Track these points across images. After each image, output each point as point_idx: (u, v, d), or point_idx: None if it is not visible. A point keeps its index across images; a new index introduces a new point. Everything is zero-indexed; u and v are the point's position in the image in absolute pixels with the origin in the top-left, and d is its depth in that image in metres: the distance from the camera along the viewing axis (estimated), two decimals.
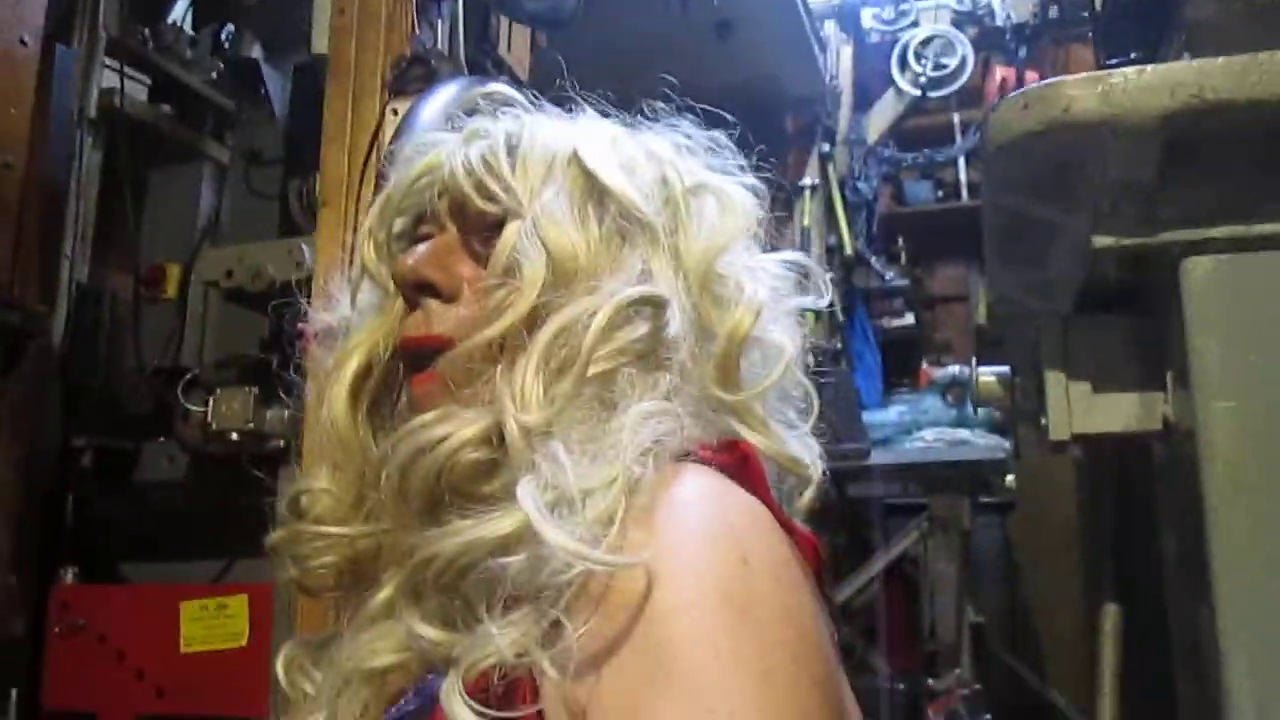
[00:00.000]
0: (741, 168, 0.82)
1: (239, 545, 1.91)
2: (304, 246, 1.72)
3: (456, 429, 0.67)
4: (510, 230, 0.71)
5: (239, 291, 1.81)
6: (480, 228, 0.75)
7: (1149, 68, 1.03)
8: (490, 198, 0.73)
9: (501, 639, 0.58)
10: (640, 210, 0.72)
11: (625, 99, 0.84)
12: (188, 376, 1.88)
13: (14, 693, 1.88)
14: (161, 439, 2.00)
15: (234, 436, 1.79)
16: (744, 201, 0.79)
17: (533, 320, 0.69)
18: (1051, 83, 1.07)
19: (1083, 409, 1.17)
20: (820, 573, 0.68)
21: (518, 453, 0.64)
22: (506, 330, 0.68)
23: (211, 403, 1.80)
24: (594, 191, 0.73)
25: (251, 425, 1.77)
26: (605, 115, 0.82)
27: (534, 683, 0.58)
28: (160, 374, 1.99)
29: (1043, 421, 1.21)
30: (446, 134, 0.80)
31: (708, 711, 0.52)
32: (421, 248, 0.76)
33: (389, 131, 1.58)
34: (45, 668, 1.91)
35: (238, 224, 2.02)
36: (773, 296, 0.77)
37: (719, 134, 0.83)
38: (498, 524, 0.61)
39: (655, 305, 0.69)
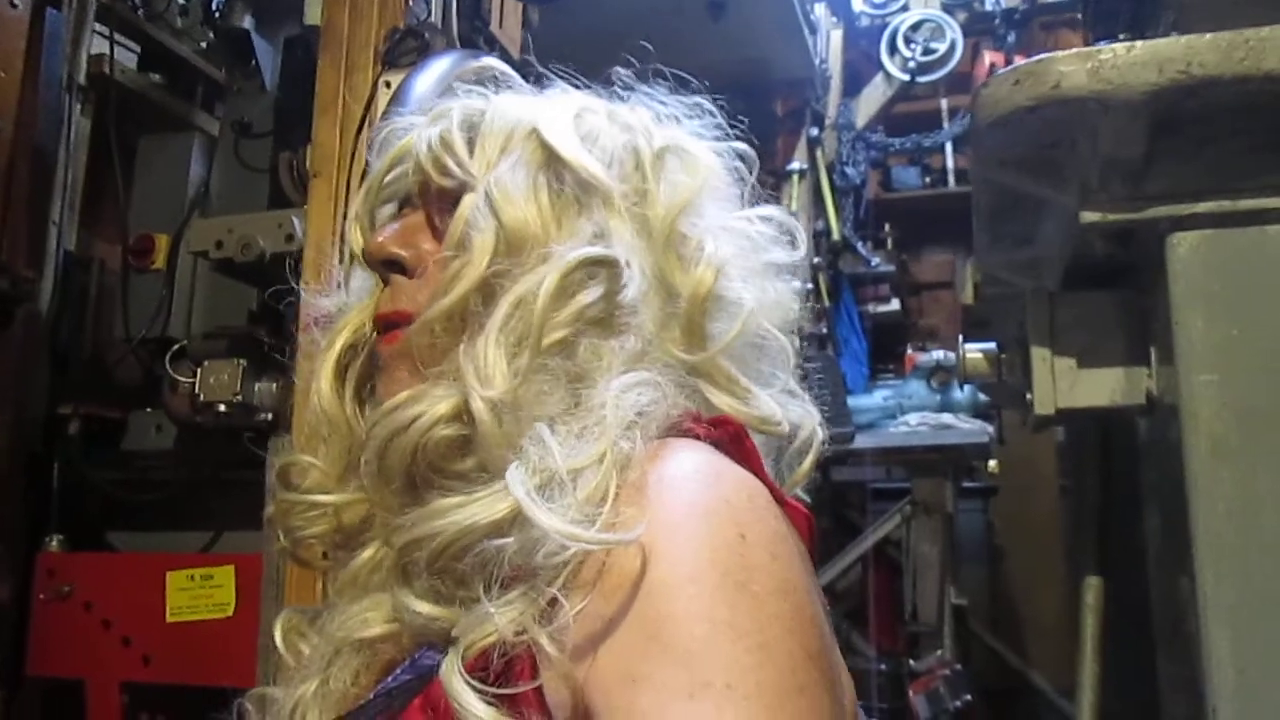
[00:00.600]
0: (723, 130, 0.82)
1: (226, 516, 1.91)
2: (294, 219, 1.72)
3: (428, 407, 0.67)
4: (464, 203, 0.72)
5: (228, 263, 1.80)
6: (443, 204, 0.76)
7: (1138, 44, 1.04)
8: (447, 173, 0.74)
9: (500, 618, 0.58)
10: (595, 177, 0.72)
11: (615, 77, 0.84)
12: (176, 347, 1.88)
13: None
14: (149, 409, 2.00)
15: (222, 408, 1.79)
16: (707, 159, 0.78)
17: (491, 293, 0.69)
18: (1042, 59, 1.08)
19: (1068, 384, 1.19)
20: (812, 549, 0.68)
21: (485, 427, 0.64)
22: (458, 301, 0.69)
23: (199, 374, 1.80)
24: (550, 162, 0.73)
25: (240, 397, 1.76)
26: (589, 90, 0.82)
27: (533, 659, 0.58)
28: (148, 344, 1.99)
29: (1028, 397, 1.23)
30: (419, 117, 0.81)
31: (705, 684, 0.53)
32: (390, 225, 0.78)
33: (382, 104, 1.58)
34: (30, 635, 1.91)
35: (227, 195, 2.01)
36: (740, 253, 0.76)
37: (702, 99, 0.82)
38: (489, 508, 0.61)
39: (606, 266, 0.69)
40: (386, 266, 0.76)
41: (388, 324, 0.76)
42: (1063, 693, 3.91)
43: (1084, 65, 1.03)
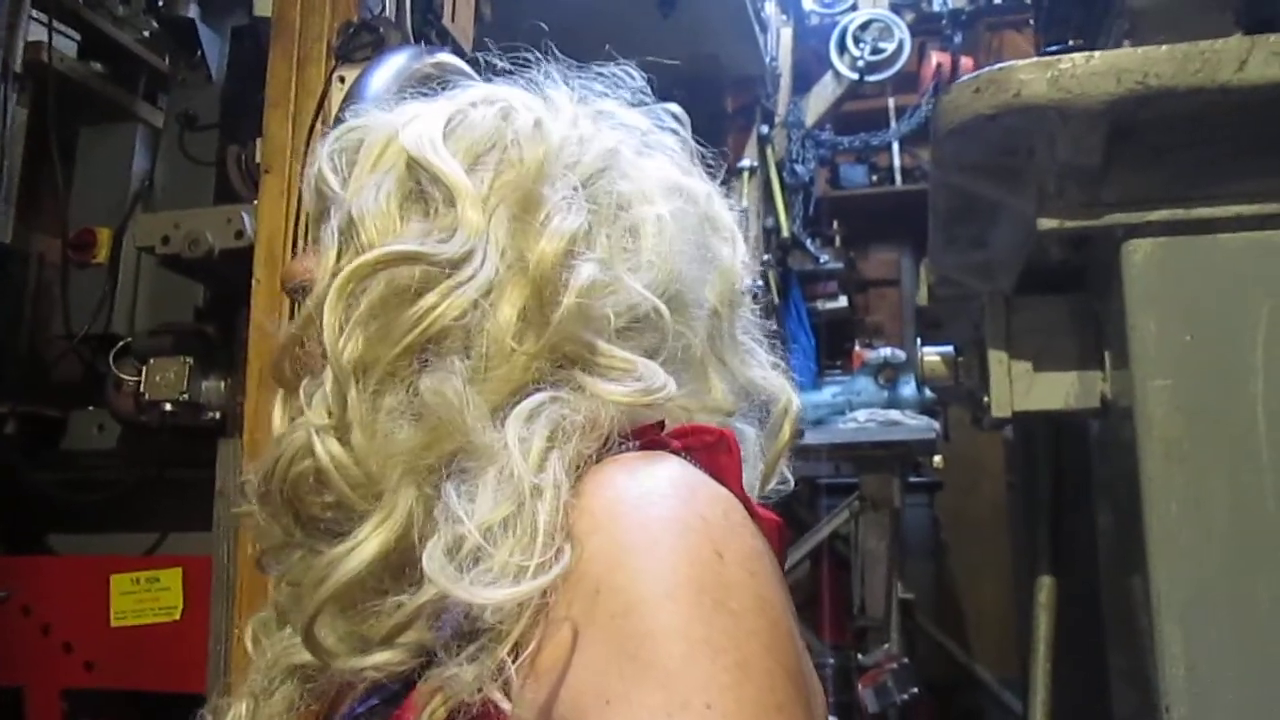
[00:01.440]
0: (642, 97, 0.77)
1: (172, 517, 1.87)
2: (244, 214, 1.68)
3: (287, 440, 0.65)
4: (333, 216, 0.70)
5: (175, 258, 1.75)
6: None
7: (1096, 54, 1.06)
8: (321, 196, 0.73)
9: (463, 676, 0.56)
10: (442, 172, 0.67)
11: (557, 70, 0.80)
12: (120, 344, 1.83)
13: None
14: (90, 407, 1.94)
15: (168, 407, 1.74)
16: (565, 116, 0.72)
17: None
18: (1003, 67, 1.09)
19: (1024, 387, 1.20)
20: (782, 556, 0.67)
21: (329, 456, 0.62)
22: (293, 333, 0.67)
23: (145, 372, 1.76)
24: (410, 168, 0.69)
25: (186, 396, 1.72)
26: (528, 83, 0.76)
27: (498, 709, 0.56)
28: (90, 340, 1.93)
29: (985, 399, 1.24)
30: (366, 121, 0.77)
31: (683, 704, 0.51)
32: (298, 254, 0.76)
33: (336, 99, 1.55)
34: None
35: (172, 189, 1.95)
36: (600, 219, 0.68)
37: (623, 71, 0.77)
38: (419, 597, 0.58)
39: (386, 263, 0.64)
40: (294, 295, 0.74)
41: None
42: (1005, 684, 4.00)
43: (1044, 74, 1.05)
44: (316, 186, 0.73)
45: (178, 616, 1.81)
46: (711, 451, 0.66)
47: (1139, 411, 1.06)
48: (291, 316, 0.76)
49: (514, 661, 0.56)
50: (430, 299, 0.63)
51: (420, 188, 0.69)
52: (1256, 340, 1.04)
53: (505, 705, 0.55)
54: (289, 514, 0.67)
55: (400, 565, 0.61)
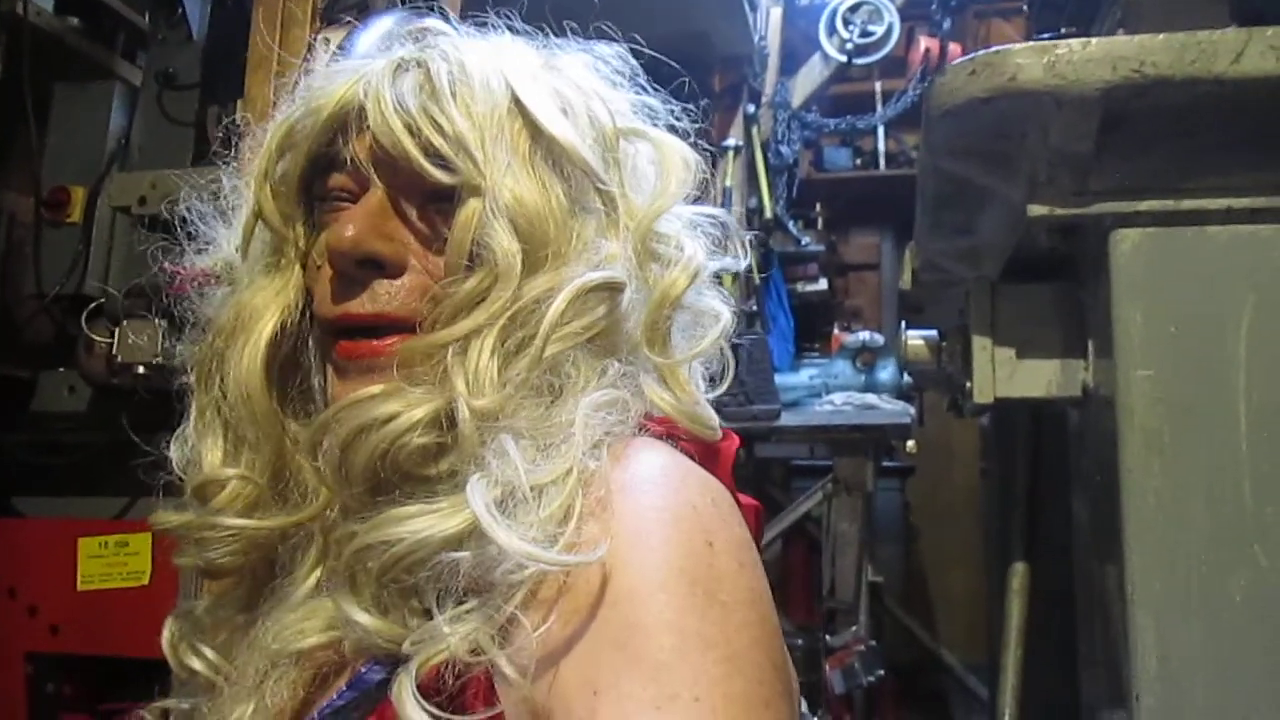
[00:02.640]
0: (669, 105, 0.78)
1: (144, 482, 1.85)
2: (225, 177, 1.65)
3: (405, 409, 0.62)
4: (473, 209, 0.64)
5: (151, 219, 1.72)
6: (419, 188, 0.67)
7: (1093, 41, 1.05)
8: (438, 158, 0.65)
9: (454, 635, 0.55)
10: (599, 178, 0.68)
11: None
12: (92, 305, 1.80)
13: None
14: (61, 369, 1.91)
15: (141, 370, 1.72)
16: (685, 154, 0.74)
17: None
18: (999, 50, 1.08)
19: (1007, 374, 1.20)
20: (759, 541, 0.67)
21: (468, 438, 0.60)
22: (484, 324, 0.63)
23: (117, 333, 1.73)
24: (542, 147, 0.67)
25: (160, 359, 1.70)
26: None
27: (489, 681, 0.56)
28: (62, 301, 1.90)
29: (967, 385, 1.24)
30: (360, 61, 0.71)
31: (672, 696, 0.51)
32: (358, 215, 0.66)
33: (320, 63, 1.52)
34: None
35: (149, 148, 1.91)
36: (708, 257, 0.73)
37: (625, 54, 0.77)
38: (446, 520, 0.58)
39: (615, 290, 0.66)
40: (361, 263, 0.66)
41: (366, 329, 0.67)
42: (970, 669, 4.04)
43: (1040, 59, 1.04)
44: (422, 136, 0.65)
45: (146, 582, 1.79)
46: (705, 453, 0.66)
47: (1120, 401, 1.07)
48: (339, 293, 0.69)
49: (508, 638, 0.55)
50: (602, 310, 0.66)
51: (562, 178, 0.68)
52: (1240, 334, 1.04)
53: (510, 671, 0.54)
54: (365, 481, 0.64)
55: None
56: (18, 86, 1.90)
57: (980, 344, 1.22)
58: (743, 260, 0.78)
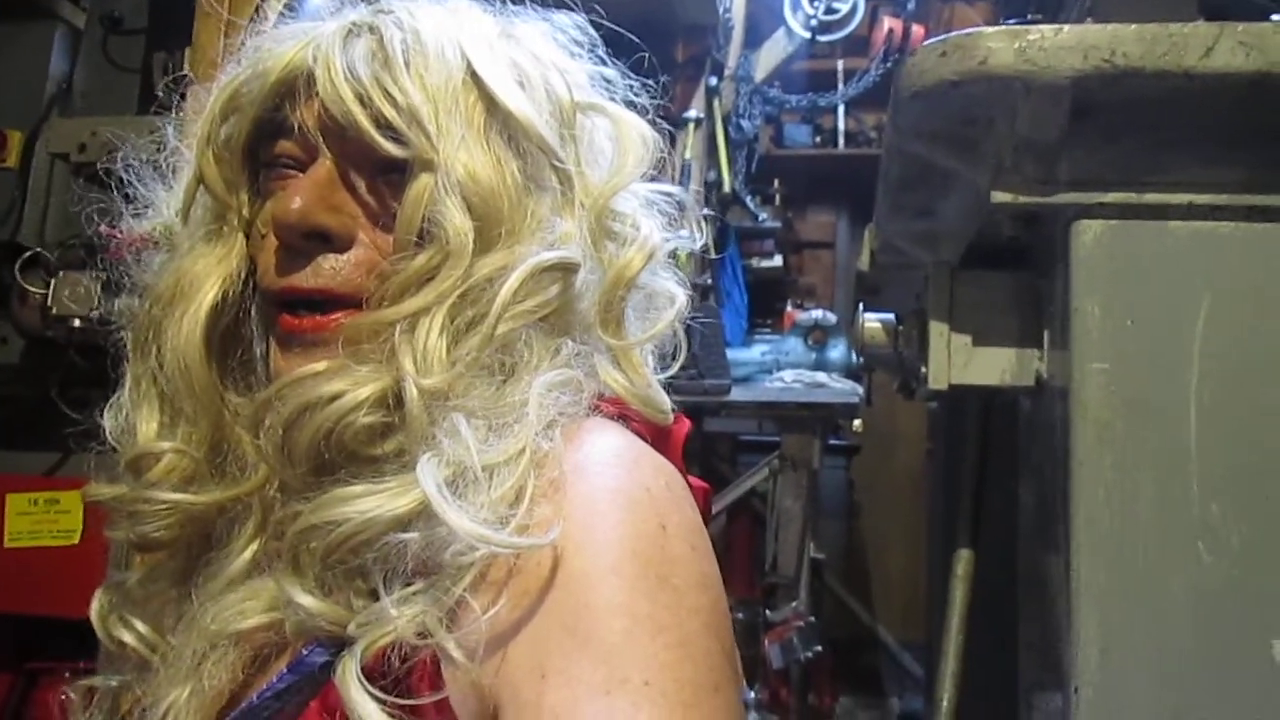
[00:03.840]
0: (625, 77, 0.76)
1: (76, 438, 1.79)
2: (169, 127, 1.59)
3: (351, 388, 0.60)
4: (424, 184, 0.62)
5: (89, 167, 1.66)
6: (369, 160, 0.65)
7: (1065, 27, 1.04)
8: (389, 130, 0.63)
9: (400, 617, 0.54)
10: (556, 155, 0.66)
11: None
12: (27, 254, 1.73)
13: None
14: None
15: (76, 323, 1.66)
16: (643, 131, 0.73)
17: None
18: (970, 32, 1.06)
19: (962, 360, 1.20)
20: (708, 521, 0.66)
21: (416, 418, 0.59)
22: (432, 302, 0.61)
23: (53, 285, 1.67)
24: (498, 121, 0.65)
25: (97, 313, 1.64)
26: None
27: (435, 664, 0.54)
28: None
29: (922, 370, 1.24)
30: (311, 24, 0.68)
31: (622, 680, 0.50)
32: (305, 185, 0.64)
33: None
34: None
35: (92, 94, 1.85)
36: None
37: (584, 24, 0.76)
38: (394, 500, 0.56)
39: (569, 269, 0.65)
40: (308, 236, 0.65)
41: (311, 303, 0.65)
42: (905, 646, 4.11)
43: (1012, 44, 1.03)
44: (372, 106, 0.63)
45: (76, 541, 1.75)
46: (656, 435, 0.65)
47: (1074, 393, 1.06)
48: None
49: (455, 621, 0.54)
50: (555, 290, 0.64)
51: (516, 154, 0.66)
52: (1195, 331, 1.04)
53: (457, 654, 0.53)
54: (308, 461, 0.62)
55: None
56: None
57: (937, 330, 1.21)
58: (699, 240, 0.77)
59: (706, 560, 0.59)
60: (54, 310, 1.65)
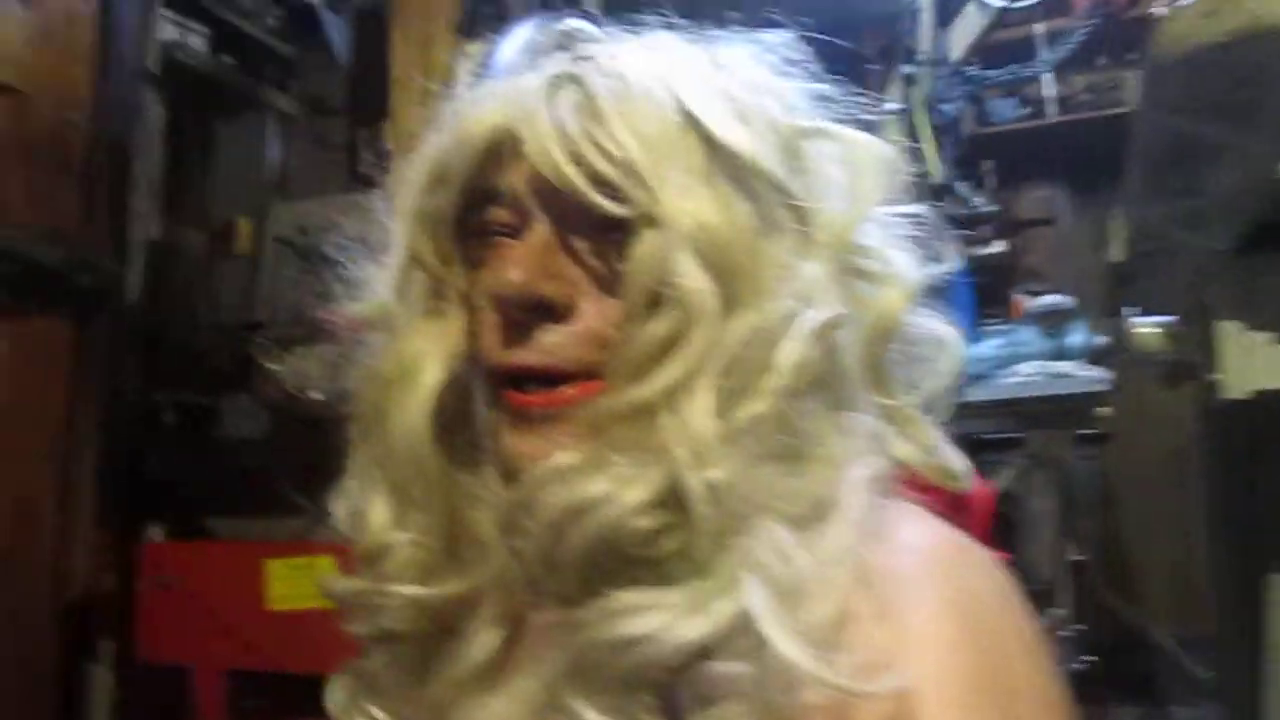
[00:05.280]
0: (848, 94, 0.68)
1: (317, 515, 1.88)
2: (377, 203, 1.65)
3: (619, 486, 0.55)
4: (651, 242, 0.57)
5: (311, 249, 1.75)
6: (586, 221, 0.61)
7: None
8: (607, 187, 0.58)
9: None
10: (788, 191, 0.60)
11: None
12: (262, 333, 1.85)
13: (107, 646, 1.90)
14: (243, 394, 1.99)
15: (315, 396, 1.74)
16: (878, 151, 0.65)
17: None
18: None
19: (1265, 362, 1.04)
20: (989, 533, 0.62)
21: (704, 518, 0.53)
22: (681, 379, 0.55)
23: (287, 362, 1.76)
24: (721, 162, 0.59)
25: (331, 387, 1.71)
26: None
27: None
28: (238, 330, 1.97)
29: (1211, 377, 1.09)
30: (508, 80, 0.65)
31: None
32: (522, 255, 0.61)
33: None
34: (137, 622, 1.94)
35: (305, 174, 1.97)
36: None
37: (794, 41, 0.69)
38: (701, 617, 0.51)
39: (837, 327, 0.59)
40: (530, 309, 0.61)
41: (538, 379, 0.61)
42: (1181, 645, 3.76)
43: None
44: (587, 164, 0.58)
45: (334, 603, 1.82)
46: (955, 504, 0.57)
47: None
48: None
49: None
50: (819, 350, 0.57)
51: (748, 197, 0.60)
52: None
53: None
54: (580, 569, 0.57)
55: None
56: (181, 126, 1.97)
57: (1229, 329, 1.05)
58: (953, 262, 0.68)
59: (1049, 676, 0.53)
60: (291, 386, 1.73)
